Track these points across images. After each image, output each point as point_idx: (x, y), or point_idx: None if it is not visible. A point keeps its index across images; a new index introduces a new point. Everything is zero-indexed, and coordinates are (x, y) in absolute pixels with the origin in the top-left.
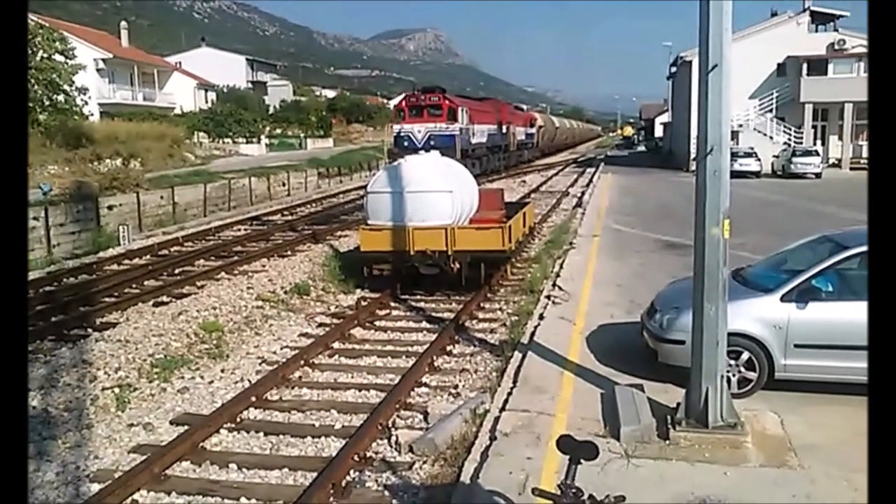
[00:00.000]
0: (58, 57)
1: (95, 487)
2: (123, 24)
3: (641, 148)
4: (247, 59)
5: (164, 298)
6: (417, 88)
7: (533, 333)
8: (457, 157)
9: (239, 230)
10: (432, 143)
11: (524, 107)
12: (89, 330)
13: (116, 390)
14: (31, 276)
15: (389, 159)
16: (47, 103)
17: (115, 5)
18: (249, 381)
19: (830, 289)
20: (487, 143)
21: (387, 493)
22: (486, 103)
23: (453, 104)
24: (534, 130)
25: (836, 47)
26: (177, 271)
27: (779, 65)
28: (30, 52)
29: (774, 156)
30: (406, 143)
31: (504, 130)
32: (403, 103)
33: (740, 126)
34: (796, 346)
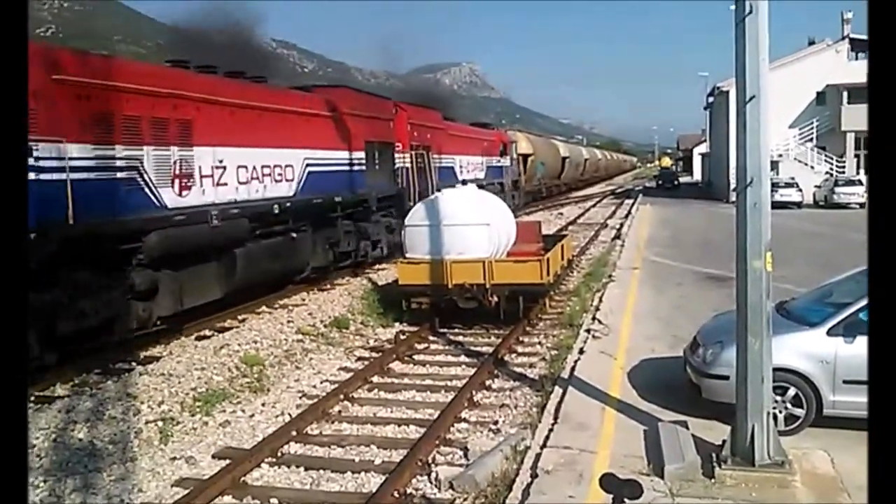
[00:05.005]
0: None
1: None
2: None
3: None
4: None
5: (206, 332)
6: None
7: (573, 368)
8: None
9: None
10: None
11: (487, 122)
12: (133, 364)
13: (160, 423)
14: None
15: None
16: None
17: (158, 44)
18: (290, 415)
19: None
20: (324, 196)
21: None
22: (338, 92)
23: None
24: (506, 163)
25: None
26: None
27: (818, 93)
28: None
29: (816, 186)
30: None
31: (413, 161)
32: None
33: (780, 156)
34: (845, 381)
